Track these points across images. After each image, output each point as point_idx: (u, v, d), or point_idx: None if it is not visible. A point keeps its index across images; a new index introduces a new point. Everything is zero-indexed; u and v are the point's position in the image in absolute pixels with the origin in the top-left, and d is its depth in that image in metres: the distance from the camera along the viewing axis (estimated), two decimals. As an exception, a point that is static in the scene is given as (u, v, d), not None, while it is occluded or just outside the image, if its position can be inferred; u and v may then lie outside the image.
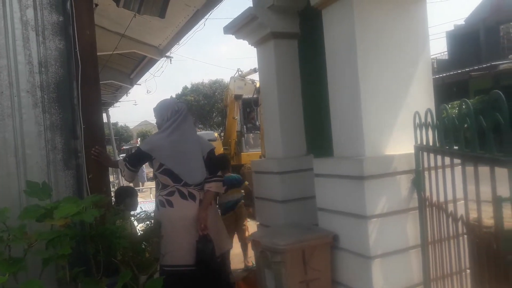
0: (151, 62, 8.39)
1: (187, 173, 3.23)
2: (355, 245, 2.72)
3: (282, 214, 3.66)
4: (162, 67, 8.71)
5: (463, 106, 1.88)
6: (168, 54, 7.91)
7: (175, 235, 3.15)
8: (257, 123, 12.75)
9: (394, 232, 2.70)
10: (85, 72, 3.26)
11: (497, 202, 1.55)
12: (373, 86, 2.81)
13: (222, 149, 12.88)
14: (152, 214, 3.32)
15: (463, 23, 24.06)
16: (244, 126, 13.38)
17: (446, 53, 24.15)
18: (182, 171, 3.21)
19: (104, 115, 13.32)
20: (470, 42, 21.82)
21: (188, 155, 3.25)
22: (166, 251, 3.08)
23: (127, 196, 4.03)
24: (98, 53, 3.56)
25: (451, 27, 24.15)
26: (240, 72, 12.62)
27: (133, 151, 3.50)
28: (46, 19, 3.16)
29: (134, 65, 8.91)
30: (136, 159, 3.36)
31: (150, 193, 10.68)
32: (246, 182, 5.74)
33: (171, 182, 3.21)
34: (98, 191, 3.03)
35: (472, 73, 16.52)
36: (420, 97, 2.97)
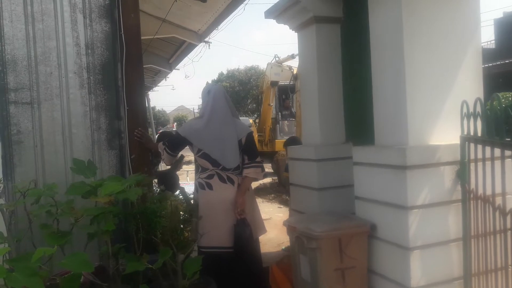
0: (190, 47, 8.48)
1: (222, 158, 3.26)
2: (394, 235, 2.68)
3: (317, 202, 3.63)
4: (200, 52, 8.73)
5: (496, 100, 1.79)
6: (207, 39, 7.96)
7: (213, 217, 3.21)
8: (293, 110, 12.69)
9: (435, 224, 2.63)
10: (130, 54, 3.34)
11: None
12: (419, 73, 2.72)
13: (257, 135, 12.94)
14: (191, 196, 3.39)
15: (514, 10, 22.74)
16: (279, 113, 13.35)
17: (493, 41, 22.96)
18: (218, 156, 3.26)
19: (145, 98, 13.64)
20: (521, 31, 20.64)
21: (222, 140, 3.28)
22: (204, 232, 3.14)
23: (169, 178, 4.13)
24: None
25: (499, 15, 22.89)
26: (277, 58, 12.55)
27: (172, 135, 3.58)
28: (93, 2, 3.25)
29: (173, 50, 9.04)
30: (175, 144, 3.42)
31: (187, 176, 10.89)
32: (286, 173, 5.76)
33: (210, 165, 3.27)
34: (140, 171, 3.12)
35: (522, 64, 15.66)
36: (468, 86, 2.85)
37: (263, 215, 3.53)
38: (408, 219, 2.55)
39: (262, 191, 9.53)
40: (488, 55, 21.73)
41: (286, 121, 13.24)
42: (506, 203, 2.04)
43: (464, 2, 2.84)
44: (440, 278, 2.64)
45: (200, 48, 8.53)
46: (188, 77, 10.90)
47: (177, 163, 4.34)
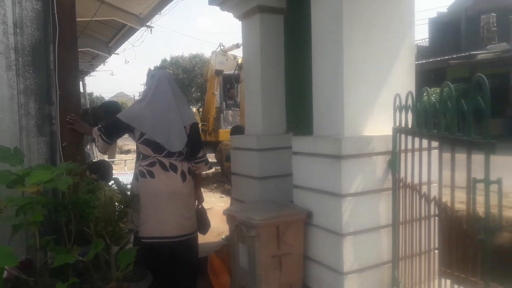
0: (131, 31, 8.15)
1: (167, 141, 3.17)
2: (328, 222, 2.77)
3: (258, 191, 3.68)
4: (142, 37, 8.45)
5: (446, 89, 1.90)
6: (148, 23, 7.69)
7: (156, 207, 3.11)
8: (237, 100, 12.67)
9: (367, 211, 2.76)
10: (63, 35, 3.13)
11: (472, 182, 1.59)
12: (356, 65, 2.81)
13: (200, 124, 12.78)
14: (128, 186, 3.27)
15: (446, 10, 24.27)
16: (224, 103, 13.28)
17: (427, 40, 24.39)
18: (162, 139, 3.15)
19: (80, 83, 12.94)
20: (451, 30, 22.08)
21: (167, 123, 3.17)
22: (144, 222, 3.05)
23: (102, 167, 3.95)
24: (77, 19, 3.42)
25: (434, 14, 24.33)
26: (222, 47, 12.43)
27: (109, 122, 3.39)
28: (21, -24, 3.00)
29: (113, 34, 8.64)
30: (113, 130, 3.25)
31: (125, 166, 10.54)
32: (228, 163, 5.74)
33: (151, 152, 3.15)
34: (72, 160, 2.96)
35: (451, 61, 16.80)
36: (401, 80, 2.99)
37: (205, 205, 3.49)
38: (342, 207, 2.65)
39: (205, 181, 9.48)
40: (422, 52, 23.10)
41: (230, 111, 13.21)
42: (431, 191, 2.17)
43: (401, 0, 2.97)
44: (371, 263, 2.78)
45: (141, 32, 8.24)
46: (128, 62, 10.51)
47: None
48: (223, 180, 9.29)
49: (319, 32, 3.00)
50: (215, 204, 6.89)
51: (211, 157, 13.77)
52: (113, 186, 2.96)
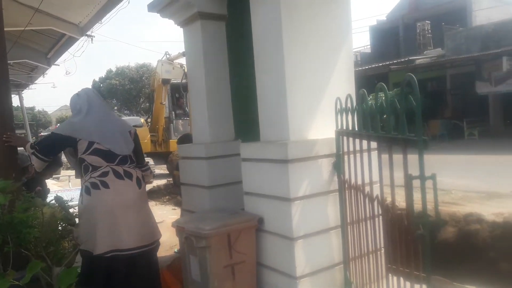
0: (71, 41, 7.79)
1: (118, 146, 3.05)
2: (279, 227, 2.77)
3: (208, 200, 3.62)
4: (82, 46, 8.09)
5: (380, 89, 1.97)
6: (89, 33, 7.40)
7: (112, 218, 2.93)
8: (187, 109, 12.52)
9: (316, 213, 2.79)
10: (-12, 46, 2.93)
11: (408, 179, 1.64)
12: (298, 72, 2.85)
13: (149, 135, 12.48)
14: (71, 203, 3.08)
15: (385, 18, 25.50)
16: (173, 112, 13.07)
17: (369, 46, 25.47)
18: (113, 145, 3.02)
19: (17, 97, 12.21)
20: (391, 37, 23.22)
21: (113, 130, 3.07)
22: (101, 236, 2.90)
23: (38, 184, 3.72)
24: (6, 28, 3.22)
25: (374, 22, 25.47)
26: (168, 56, 12.25)
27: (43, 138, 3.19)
28: None
29: (51, 44, 8.23)
30: (52, 146, 3.06)
31: (69, 182, 10.05)
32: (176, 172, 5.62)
33: (103, 162, 2.99)
34: (6, 177, 2.76)
35: (391, 67, 17.62)
36: (342, 85, 3.07)
37: (156, 219, 3.36)
38: (291, 211, 2.66)
39: (156, 194, 9.23)
40: (365, 58, 24.09)
41: (180, 120, 13.01)
42: (373, 191, 2.23)
43: (338, 8, 3.06)
44: (323, 265, 2.81)
45: (82, 42, 7.90)
46: (69, 73, 10.00)
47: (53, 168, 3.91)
48: (175, 192, 9.09)
49: (260, 39, 3.02)
50: (167, 216, 6.72)
51: (163, 169, 13.50)
52: (53, 203, 2.78)
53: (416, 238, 1.65)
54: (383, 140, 1.95)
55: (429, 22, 20.59)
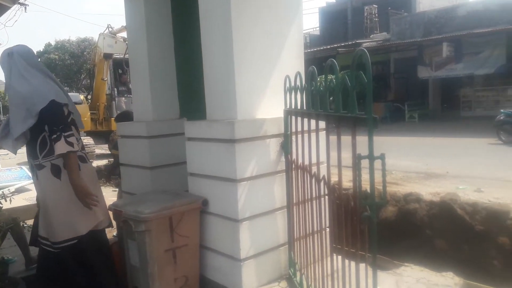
0: (1, 9, 7.08)
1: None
2: (224, 209, 2.67)
3: (149, 181, 3.43)
4: (15, 15, 7.39)
5: (330, 66, 1.88)
6: (22, 1, 6.76)
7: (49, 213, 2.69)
8: (130, 86, 11.96)
9: (262, 194, 2.71)
10: None
11: (357, 159, 1.58)
12: (247, 49, 2.71)
13: (89, 113, 11.82)
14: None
15: (334, 1, 25.73)
16: (115, 89, 12.44)
17: (318, 28, 25.66)
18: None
19: None
20: (339, 20, 23.51)
21: (12, 108, 2.69)
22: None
23: None
24: None
25: (324, 4, 25.63)
26: (110, 29, 11.56)
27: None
28: None
29: (-24, 10, 7.43)
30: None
31: None
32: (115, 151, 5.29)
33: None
34: None
35: (339, 49, 17.88)
36: (291, 63, 2.97)
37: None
38: (237, 192, 2.56)
39: (97, 174, 8.79)
40: (314, 40, 24.25)
41: (123, 98, 12.40)
42: (320, 171, 2.18)
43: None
44: (268, 246, 2.76)
45: (14, 11, 7.21)
46: (0, 44, 9.14)
47: None
48: (115, 173, 8.71)
49: (207, 11, 2.83)
50: (107, 199, 6.39)
51: (104, 148, 12.89)
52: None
53: (363, 219, 1.60)
54: (332, 119, 1.88)
55: (376, 6, 21.03)
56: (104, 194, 3.09)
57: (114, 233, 3.86)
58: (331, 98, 1.94)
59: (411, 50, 16.92)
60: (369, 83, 1.54)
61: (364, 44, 17.26)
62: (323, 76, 2.02)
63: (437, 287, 2.74)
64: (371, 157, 1.56)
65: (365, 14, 21.08)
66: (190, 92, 3.61)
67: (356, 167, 1.61)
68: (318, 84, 2.13)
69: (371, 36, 19.24)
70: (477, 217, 4.29)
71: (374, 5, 20.84)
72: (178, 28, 3.64)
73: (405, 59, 17.81)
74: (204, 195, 2.80)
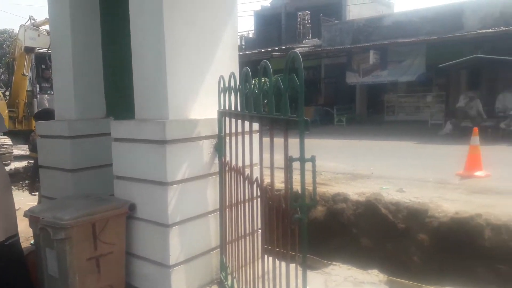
0: None
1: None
2: (153, 214, 2.55)
3: (71, 185, 3.19)
4: None
5: (264, 68, 1.86)
6: None
7: None
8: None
9: (194, 198, 2.63)
10: None
11: (289, 161, 1.58)
12: (179, 47, 2.62)
13: (7, 111, 10.87)
14: None
15: (269, 5, 26.17)
16: (37, 85, 11.57)
17: (253, 31, 25.95)
18: None
19: None
20: (274, 24, 23.98)
21: None
22: None
23: None
24: None
25: (259, 7, 25.97)
26: (33, 21, 10.72)
27: None
28: None
29: None
30: None
31: None
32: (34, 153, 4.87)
33: None
34: None
35: (273, 53, 18.19)
36: (226, 63, 2.93)
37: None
38: (168, 196, 2.46)
39: (15, 177, 8.08)
40: (249, 43, 24.46)
41: (46, 95, 11.56)
42: (253, 173, 2.15)
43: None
44: (199, 251, 2.68)
45: None
46: None
47: None
48: (35, 176, 8.07)
49: (138, 8, 2.69)
50: (25, 204, 5.89)
51: (24, 149, 11.91)
52: None
53: (294, 221, 1.60)
54: (265, 121, 1.86)
55: (309, 12, 21.73)
56: (22, 198, 2.82)
57: (32, 242, 3.55)
58: (265, 101, 1.93)
59: (340, 56, 17.68)
60: (301, 85, 1.54)
61: (297, 49, 17.75)
62: (257, 78, 2.00)
63: (364, 284, 2.85)
64: (302, 159, 1.56)
65: (298, 20, 21.68)
66: (118, 90, 3.42)
67: (288, 169, 1.60)
68: (252, 86, 2.11)
69: (303, 42, 19.84)
70: (399, 215, 4.56)
71: (307, 11, 21.53)
72: (107, 23, 3.44)
73: (335, 65, 18.58)
74: (132, 200, 2.65)
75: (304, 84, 1.56)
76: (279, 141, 1.74)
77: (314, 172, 1.56)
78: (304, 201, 1.58)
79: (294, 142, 1.68)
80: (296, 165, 1.58)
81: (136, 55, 2.76)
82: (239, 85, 2.31)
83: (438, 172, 6.59)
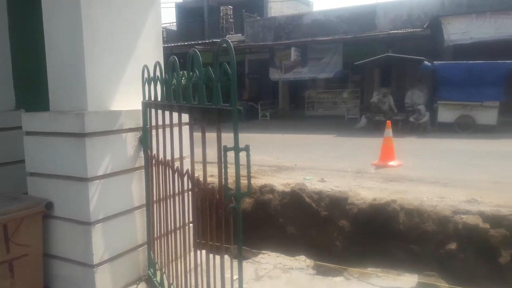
0: None
1: None
2: (73, 212, 2.38)
3: (-24, 184, 2.86)
4: None
5: (193, 56, 1.81)
6: None
7: None
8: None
9: (118, 193, 2.50)
10: None
11: (223, 151, 1.56)
12: (98, 33, 2.45)
13: None
14: None
15: (191, -2, 25.71)
16: None
17: (175, 24, 25.35)
18: None
19: None
20: (196, 17, 23.66)
21: None
22: None
23: None
24: None
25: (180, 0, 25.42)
26: None
27: None
28: None
29: None
30: None
31: None
32: None
33: None
34: None
35: (197, 47, 17.95)
36: (150, 52, 2.82)
37: None
38: (89, 192, 2.30)
39: None
40: (171, 36, 23.85)
41: None
42: (183, 166, 2.09)
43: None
44: (125, 248, 2.56)
45: None
46: None
47: None
48: None
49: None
50: None
51: None
52: None
53: (229, 211, 1.58)
54: (197, 112, 1.81)
55: (231, 7, 21.76)
56: None
57: None
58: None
59: (263, 52, 17.98)
60: (233, 74, 1.52)
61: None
62: (185, 68, 1.94)
63: (292, 270, 2.93)
64: (236, 149, 1.55)
65: (221, 14, 21.62)
66: (29, 79, 3.13)
67: (221, 160, 1.58)
68: (181, 76, 2.04)
69: (227, 37, 19.81)
70: (322, 204, 4.77)
71: (229, 6, 21.53)
72: (14, 6, 3.12)
73: (259, 61, 18.85)
74: (48, 197, 2.45)
75: (236, 70, 1.54)
76: (209, 135, 1.71)
77: (248, 161, 1.56)
78: (239, 190, 1.57)
79: (225, 136, 1.67)
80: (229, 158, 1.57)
81: (50, 40, 2.53)
82: (165, 75, 2.23)
83: (355, 163, 7.01)
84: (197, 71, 1.80)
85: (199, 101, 1.79)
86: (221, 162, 1.59)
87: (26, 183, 2.59)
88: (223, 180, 1.61)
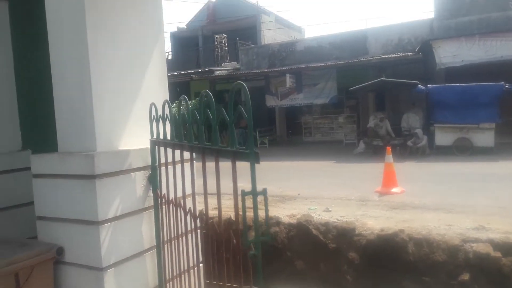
0: None
1: None
2: (84, 257, 2.33)
3: (-18, 229, 2.81)
4: None
5: (183, 102, 1.84)
6: None
7: None
8: None
9: (128, 236, 2.46)
10: None
11: (241, 195, 1.55)
12: (106, 73, 2.47)
13: None
14: None
15: (185, 27, 26.18)
16: None
17: (170, 53, 25.69)
18: None
19: None
20: (191, 46, 24.00)
21: None
22: None
23: None
24: None
25: (175, 29, 25.85)
26: None
27: None
28: None
29: None
30: None
31: None
32: None
33: None
34: None
35: (193, 76, 18.15)
36: (156, 89, 2.83)
37: None
38: (100, 236, 2.26)
39: None
40: (166, 65, 24.13)
41: None
42: (196, 205, 2.07)
43: (148, 5, 2.79)
44: (137, 293, 2.50)
45: None
46: None
47: None
48: None
49: (57, 32, 2.50)
50: None
51: None
52: None
53: (249, 258, 1.56)
54: (210, 153, 1.81)
55: (226, 35, 22.13)
56: None
57: None
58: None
59: (259, 79, 18.18)
60: (250, 118, 1.53)
61: (217, 72, 17.94)
62: (191, 103, 1.96)
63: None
64: (254, 193, 1.54)
65: (216, 43, 21.96)
66: (36, 119, 3.13)
67: (237, 203, 1.57)
68: (182, 113, 2.06)
69: (222, 65, 20.10)
70: (329, 235, 4.71)
71: (223, 35, 21.90)
72: (20, 43, 3.15)
73: (255, 88, 19.01)
74: (58, 242, 2.40)
75: (251, 111, 1.56)
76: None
77: (266, 205, 1.55)
78: (258, 237, 1.55)
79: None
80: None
81: (58, 83, 2.54)
82: (177, 114, 2.23)
83: (358, 190, 6.98)
84: (209, 112, 1.79)
85: (212, 142, 1.79)
86: (237, 207, 1.57)
87: (35, 226, 2.55)
88: (240, 224, 1.59)
